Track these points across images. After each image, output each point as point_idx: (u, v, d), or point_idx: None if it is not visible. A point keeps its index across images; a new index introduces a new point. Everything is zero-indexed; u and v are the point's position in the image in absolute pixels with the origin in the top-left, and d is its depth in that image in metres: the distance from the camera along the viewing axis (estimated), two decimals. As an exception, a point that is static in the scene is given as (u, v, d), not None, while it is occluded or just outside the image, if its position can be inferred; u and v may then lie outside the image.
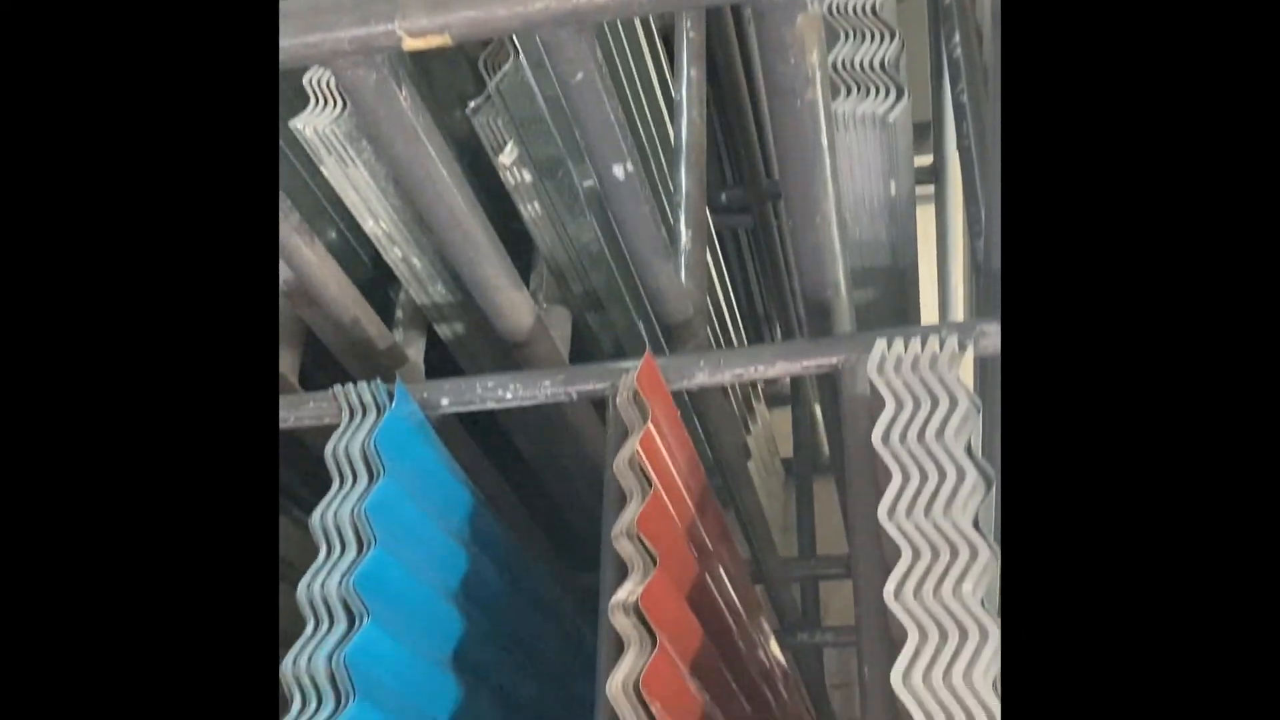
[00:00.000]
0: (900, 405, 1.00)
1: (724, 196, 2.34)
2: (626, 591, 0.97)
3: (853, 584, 1.02)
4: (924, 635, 0.87)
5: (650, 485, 1.01)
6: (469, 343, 1.44)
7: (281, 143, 1.27)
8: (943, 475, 0.96)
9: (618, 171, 1.07)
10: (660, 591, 0.96)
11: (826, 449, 3.28)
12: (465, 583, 1.21)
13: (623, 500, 1.05)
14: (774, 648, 1.79)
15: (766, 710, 1.58)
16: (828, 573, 2.15)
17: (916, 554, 0.92)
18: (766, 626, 1.75)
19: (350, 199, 1.25)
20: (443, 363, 1.50)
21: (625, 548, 1.00)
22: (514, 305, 1.22)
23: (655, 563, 0.97)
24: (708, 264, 1.43)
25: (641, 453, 1.00)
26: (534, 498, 1.72)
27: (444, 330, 1.43)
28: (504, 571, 1.31)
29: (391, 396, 1.10)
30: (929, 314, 1.98)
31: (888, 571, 0.99)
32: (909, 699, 0.85)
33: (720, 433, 1.66)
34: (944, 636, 0.87)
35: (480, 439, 1.51)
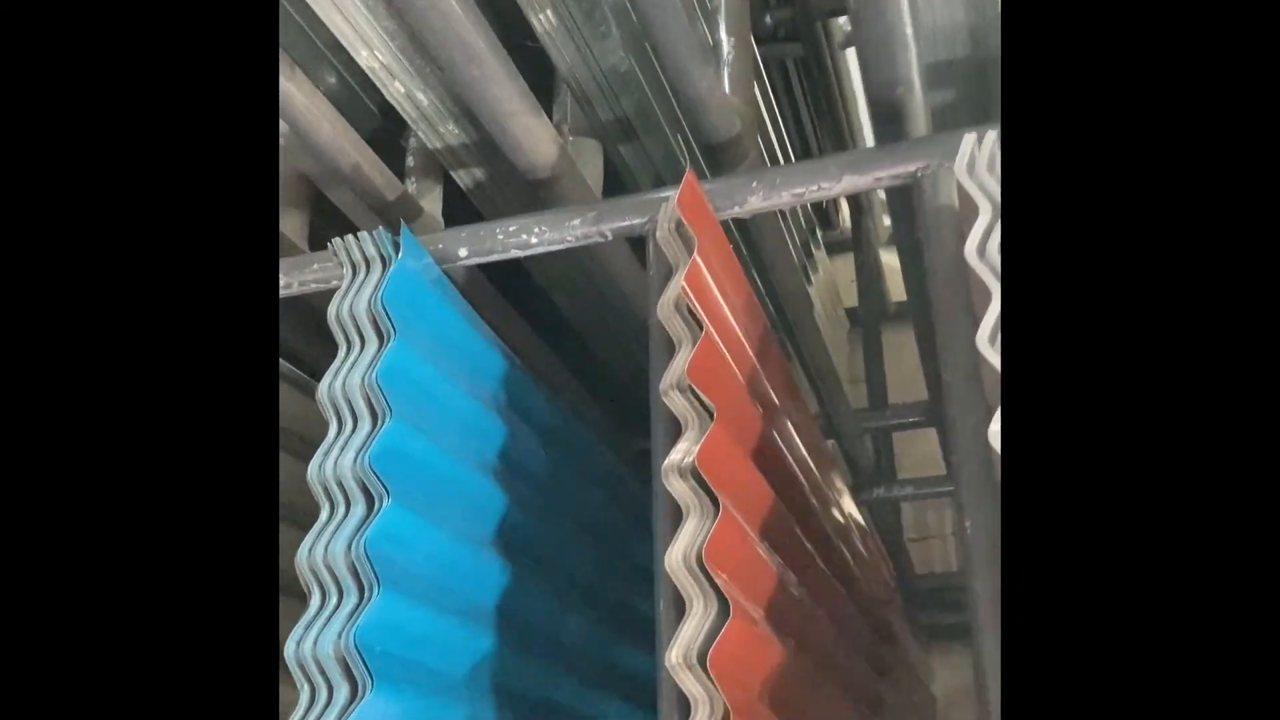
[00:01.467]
0: (998, 208, 0.83)
1: (768, 19, 2.11)
2: (681, 452, 0.83)
3: (945, 428, 0.87)
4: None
5: (701, 329, 0.86)
6: (490, 189, 1.28)
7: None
8: (1055, 291, 0.79)
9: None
10: (719, 449, 0.82)
11: (893, 296, 3.09)
12: (503, 453, 1.08)
13: (671, 350, 0.90)
14: (848, 504, 1.67)
15: (844, 568, 1.46)
16: (902, 422, 2.01)
17: (1027, 386, 0.76)
18: (840, 483, 1.62)
19: (338, 27, 1.08)
20: (466, 215, 1.35)
21: (677, 402, 0.86)
22: (532, 135, 1.05)
23: (712, 416, 0.83)
24: (754, 81, 1.23)
25: (688, 290, 0.85)
26: (579, 360, 1.59)
27: (462, 177, 1.27)
28: (548, 439, 1.19)
29: (398, 248, 0.95)
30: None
31: (990, 410, 0.83)
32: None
33: (780, 273, 1.49)
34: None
35: (514, 300, 1.37)
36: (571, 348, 1.49)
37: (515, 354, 1.24)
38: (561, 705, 1.14)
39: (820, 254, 2.82)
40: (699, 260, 0.86)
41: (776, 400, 1.15)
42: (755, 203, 0.98)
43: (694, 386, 0.83)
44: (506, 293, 1.36)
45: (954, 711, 2.69)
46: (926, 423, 1.87)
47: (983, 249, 0.83)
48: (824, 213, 3.10)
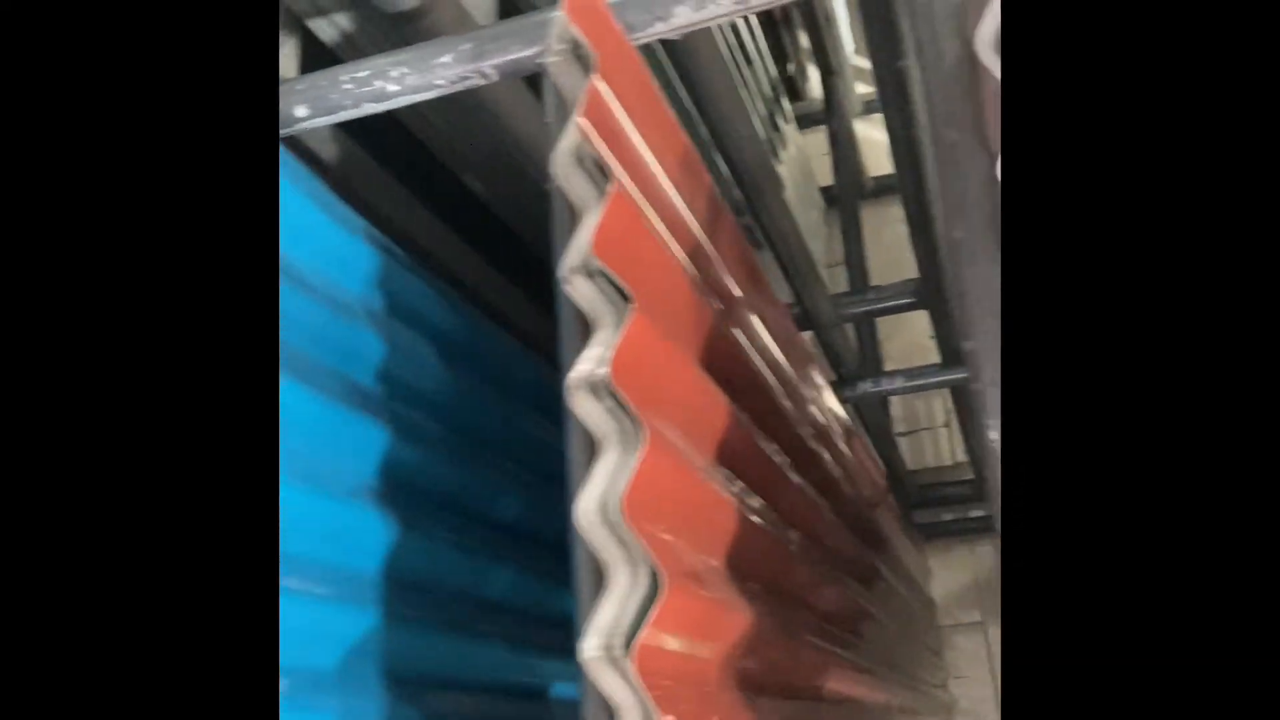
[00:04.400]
0: (1025, -21, 0.57)
1: None
2: (592, 360, 0.59)
3: (943, 307, 0.63)
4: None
5: (609, 181, 0.61)
6: (360, 38, 1.01)
7: None
8: (1111, 92, 0.54)
9: None
10: (643, 352, 0.58)
11: (871, 171, 2.83)
12: (385, 375, 0.84)
13: (576, 221, 0.66)
14: (830, 403, 1.44)
15: (825, 478, 1.24)
16: (888, 305, 1.77)
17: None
18: (820, 379, 1.39)
19: None
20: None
21: (582, 291, 0.61)
22: (384, -51, 0.78)
23: (629, 303, 0.59)
24: None
25: (586, 129, 0.60)
26: (508, 258, 1.33)
27: (323, 28, 1.00)
28: (450, 353, 0.95)
29: (198, 106, 0.69)
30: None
31: (1018, 273, 0.60)
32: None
33: (737, 141, 1.23)
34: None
35: (418, 188, 1.11)
36: (493, 237, 1.24)
37: (409, 246, 0.99)
38: (481, 678, 0.93)
39: (789, 128, 2.54)
40: (599, 87, 0.61)
41: (733, 286, 0.91)
42: (684, 15, 0.72)
43: (603, 265, 0.59)
44: (409, 181, 1.09)
45: (956, 611, 2.54)
46: (916, 305, 1.64)
47: (1000, 41, 0.58)
48: (790, 81, 2.81)
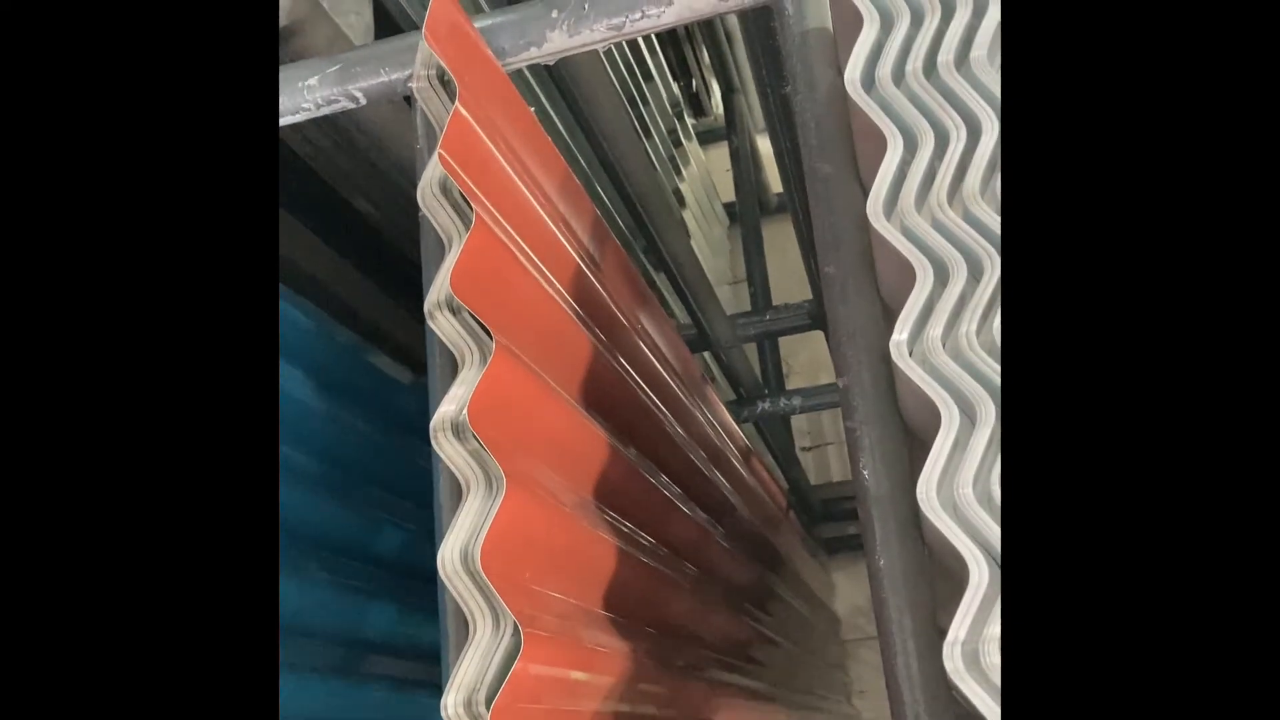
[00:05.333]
0: (889, 16, 0.57)
1: None
2: (455, 401, 0.57)
3: (831, 341, 0.63)
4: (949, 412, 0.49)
5: (472, 211, 0.58)
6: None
7: None
8: (974, 131, 0.54)
9: None
10: (501, 395, 0.56)
11: (773, 187, 2.85)
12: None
13: (441, 250, 0.63)
14: (728, 425, 1.44)
15: (719, 503, 1.23)
16: (785, 326, 1.78)
17: (941, 270, 0.52)
18: (716, 402, 1.39)
19: None
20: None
21: (445, 328, 0.59)
22: (246, -36, 0.74)
23: (492, 341, 0.56)
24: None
25: (448, 159, 0.57)
26: (397, 280, 1.29)
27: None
28: (330, 384, 0.91)
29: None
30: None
31: (887, 309, 0.59)
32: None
33: (626, 161, 1.22)
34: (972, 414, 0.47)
35: (299, 209, 1.07)
36: (381, 259, 1.20)
37: (288, 270, 0.95)
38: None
39: (691, 145, 2.55)
40: (463, 112, 0.58)
41: (617, 313, 0.89)
42: (559, 40, 0.70)
43: (461, 303, 0.56)
44: (297, 207, 1.05)
45: (861, 624, 2.56)
46: (812, 325, 1.65)
47: (869, 78, 0.57)
48: (694, 98, 2.82)
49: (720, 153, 2.76)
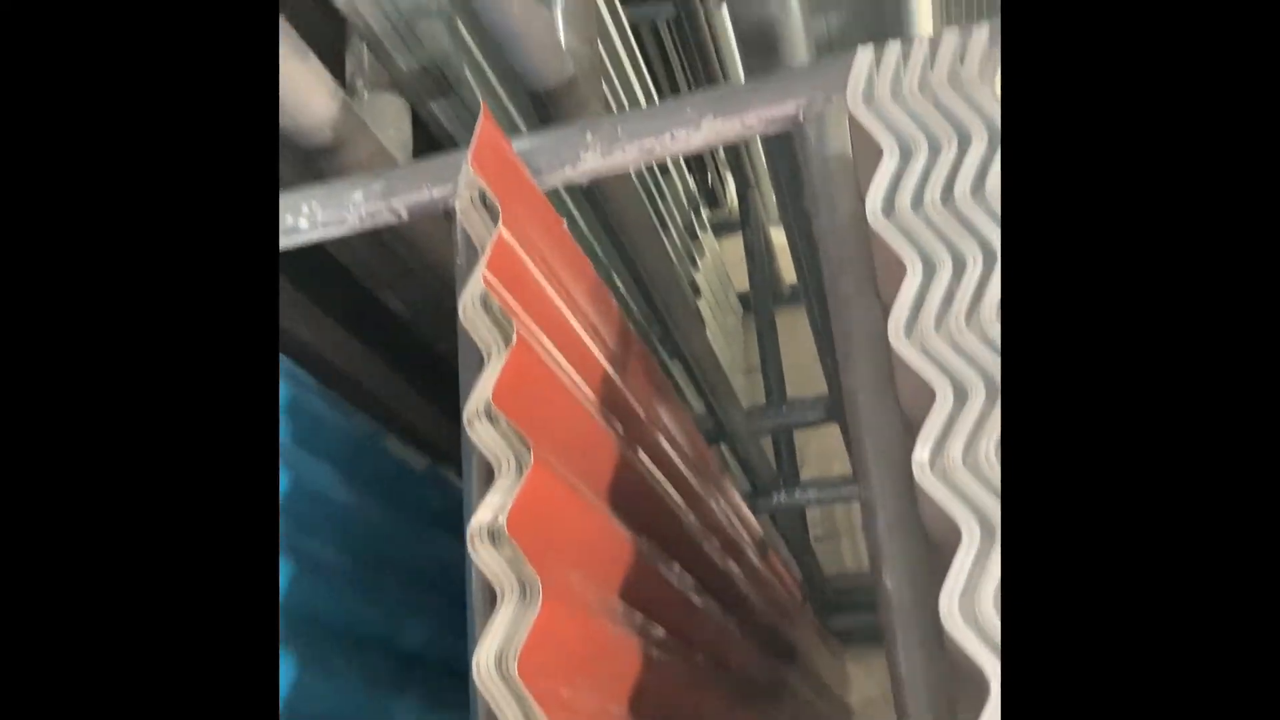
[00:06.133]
0: (908, 148, 0.61)
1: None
2: (492, 509, 0.59)
3: (852, 454, 0.65)
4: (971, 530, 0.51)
5: (512, 332, 0.62)
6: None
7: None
8: (989, 257, 0.57)
9: None
10: (540, 504, 0.58)
11: (786, 278, 2.90)
12: (284, 507, 0.83)
13: (481, 364, 0.66)
14: (744, 517, 1.45)
15: (736, 597, 1.24)
16: (799, 419, 1.80)
17: (961, 391, 0.55)
18: (732, 494, 1.40)
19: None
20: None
21: (485, 437, 0.61)
22: (298, 87, 0.79)
23: (530, 453, 0.59)
24: (597, 12, 0.99)
25: (491, 281, 0.61)
26: (428, 377, 1.32)
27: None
28: (357, 478, 0.93)
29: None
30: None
31: (908, 422, 0.62)
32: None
33: (647, 258, 1.26)
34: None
35: (332, 307, 1.10)
36: (413, 357, 1.23)
37: (318, 366, 0.98)
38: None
39: (707, 236, 2.60)
40: (505, 235, 0.62)
41: (639, 411, 0.92)
42: (592, 161, 0.75)
43: (503, 415, 0.59)
44: (322, 300, 1.09)
45: (874, 716, 2.52)
46: (827, 419, 1.67)
47: (890, 205, 0.61)
48: (709, 190, 2.89)
49: (734, 242, 2.82)
